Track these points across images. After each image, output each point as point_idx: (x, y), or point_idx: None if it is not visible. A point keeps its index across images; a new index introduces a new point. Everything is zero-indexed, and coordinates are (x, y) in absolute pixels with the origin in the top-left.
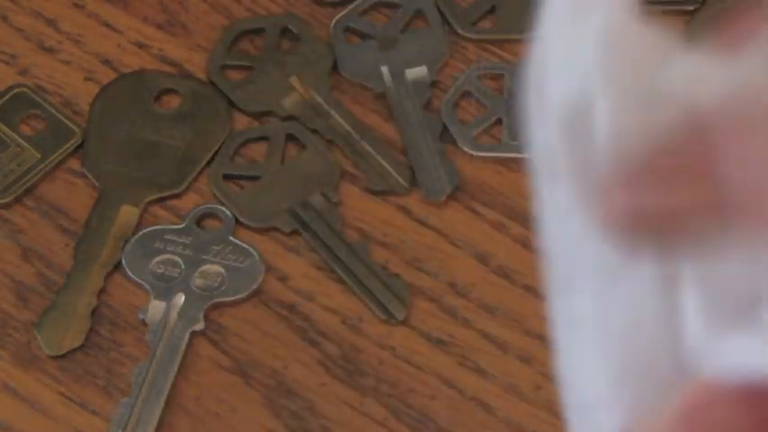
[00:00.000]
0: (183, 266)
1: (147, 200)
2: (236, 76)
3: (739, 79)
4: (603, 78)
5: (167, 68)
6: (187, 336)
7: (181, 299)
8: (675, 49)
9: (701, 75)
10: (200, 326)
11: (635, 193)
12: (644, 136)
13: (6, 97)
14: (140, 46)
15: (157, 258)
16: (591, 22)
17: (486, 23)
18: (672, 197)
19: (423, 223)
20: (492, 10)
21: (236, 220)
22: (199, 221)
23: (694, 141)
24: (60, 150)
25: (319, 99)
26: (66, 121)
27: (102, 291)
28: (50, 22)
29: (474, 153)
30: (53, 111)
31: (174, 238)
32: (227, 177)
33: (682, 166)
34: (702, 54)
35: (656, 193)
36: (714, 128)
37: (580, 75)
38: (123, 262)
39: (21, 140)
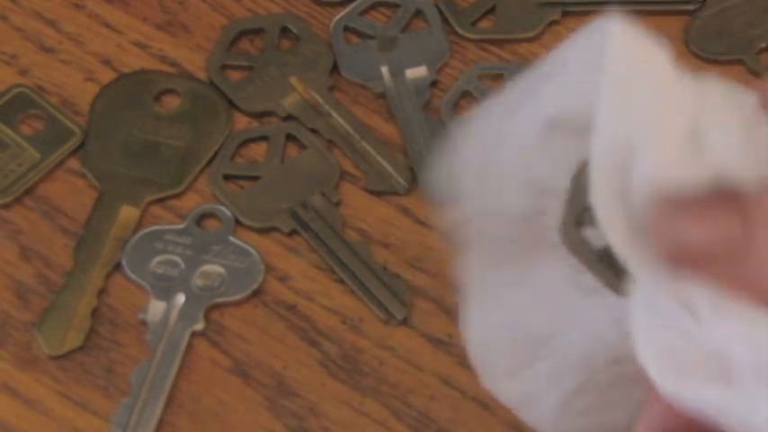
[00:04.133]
0: (183, 266)
1: (147, 200)
2: (236, 76)
3: None
4: (650, 128)
5: (167, 68)
6: (187, 336)
7: (181, 299)
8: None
9: (740, 148)
10: (200, 326)
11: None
12: (681, 186)
13: (6, 97)
14: (140, 46)
15: (157, 258)
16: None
17: (486, 23)
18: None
19: (423, 223)
20: (492, 10)
21: (236, 220)
22: (199, 221)
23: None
24: (60, 150)
25: (319, 99)
26: (66, 121)
27: (102, 291)
28: (50, 22)
29: None
30: (53, 111)
31: (174, 238)
32: (227, 177)
33: (715, 214)
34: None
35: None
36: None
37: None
38: (123, 262)
39: (21, 140)
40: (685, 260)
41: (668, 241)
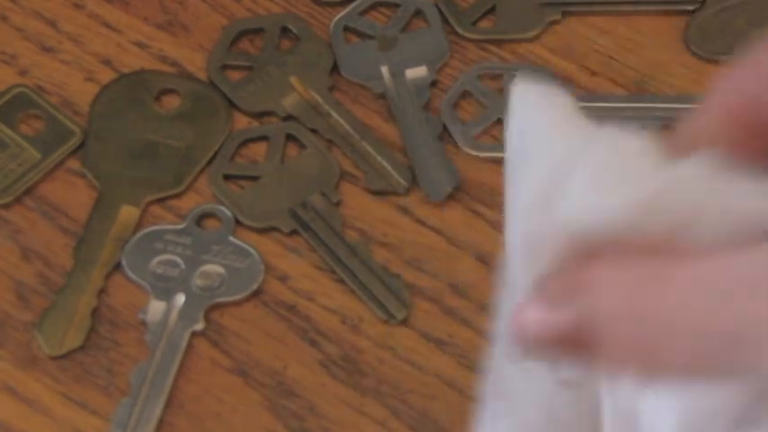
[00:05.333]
0: (183, 266)
1: (147, 200)
2: (236, 76)
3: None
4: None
5: (167, 68)
6: (187, 336)
7: (181, 299)
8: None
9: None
10: (200, 326)
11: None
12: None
13: (6, 97)
14: (140, 46)
15: (157, 258)
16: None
17: (486, 23)
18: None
19: (423, 223)
20: (492, 10)
21: (236, 220)
22: (199, 221)
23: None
24: (60, 150)
25: (319, 99)
26: (66, 121)
27: (102, 291)
28: (50, 22)
29: (474, 153)
30: (53, 111)
31: (174, 238)
32: (227, 177)
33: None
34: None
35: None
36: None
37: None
38: (123, 262)
39: (21, 140)
40: (539, 348)
41: (517, 338)
